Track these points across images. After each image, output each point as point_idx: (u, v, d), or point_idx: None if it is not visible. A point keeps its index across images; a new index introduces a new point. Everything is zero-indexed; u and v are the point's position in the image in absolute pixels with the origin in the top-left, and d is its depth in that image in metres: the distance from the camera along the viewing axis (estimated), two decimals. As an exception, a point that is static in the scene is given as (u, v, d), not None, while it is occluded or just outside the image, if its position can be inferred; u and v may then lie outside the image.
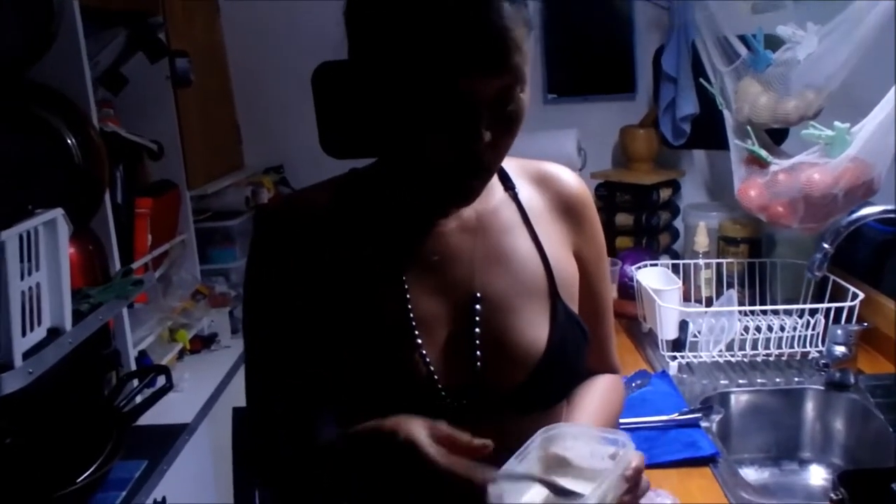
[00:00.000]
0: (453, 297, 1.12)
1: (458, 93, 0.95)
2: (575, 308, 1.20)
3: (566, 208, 1.23)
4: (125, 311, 2.14)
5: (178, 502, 2.04)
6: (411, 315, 1.10)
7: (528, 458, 0.97)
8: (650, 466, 1.67)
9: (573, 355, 1.17)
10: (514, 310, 1.13)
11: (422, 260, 1.13)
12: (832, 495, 1.47)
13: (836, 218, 2.20)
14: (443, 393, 1.08)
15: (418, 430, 0.94)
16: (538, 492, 0.96)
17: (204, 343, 2.70)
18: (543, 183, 1.24)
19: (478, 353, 1.11)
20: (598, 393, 1.27)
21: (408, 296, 1.10)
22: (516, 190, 1.21)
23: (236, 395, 2.50)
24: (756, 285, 2.51)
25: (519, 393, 1.11)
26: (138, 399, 1.99)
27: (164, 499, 1.96)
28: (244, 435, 1.55)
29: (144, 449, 1.99)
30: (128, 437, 1.85)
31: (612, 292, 1.39)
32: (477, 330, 1.11)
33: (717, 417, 1.90)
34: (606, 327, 1.33)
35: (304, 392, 1.15)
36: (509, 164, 1.22)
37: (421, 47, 0.94)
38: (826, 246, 1.89)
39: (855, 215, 1.88)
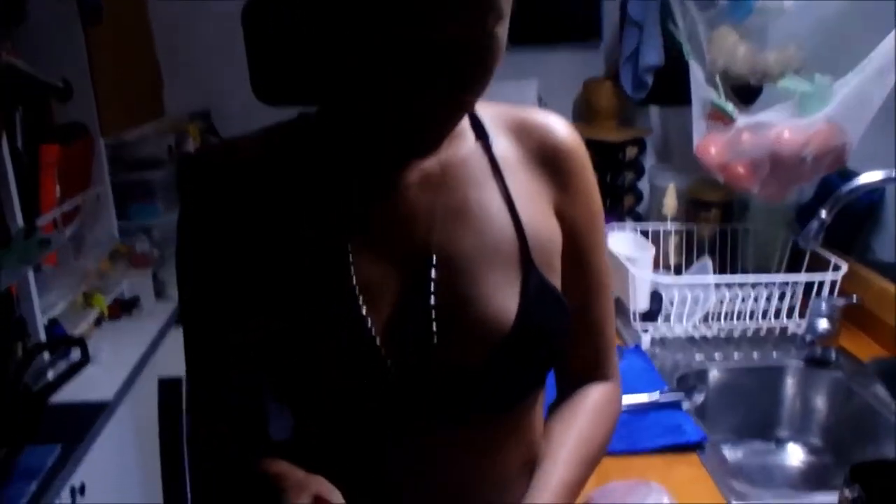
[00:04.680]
0: (406, 260, 0.99)
1: (421, 35, 0.83)
2: (555, 278, 1.05)
3: (549, 161, 1.08)
4: (31, 274, 2.01)
5: (99, 489, 1.95)
6: (354, 281, 0.96)
7: None
8: (631, 453, 1.60)
9: (548, 333, 1.02)
10: (476, 276, 0.99)
11: (372, 218, 1.00)
12: (847, 493, 1.32)
13: (798, 185, 2.14)
14: (391, 371, 0.96)
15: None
16: None
17: (124, 308, 2.61)
18: (525, 132, 1.08)
19: (433, 326, 0.97)
20: (583, 421, 1.10)
21: (350, 258, 0.97)
22: (490, 139, 1.06)
23: (163, 365, 2.45)
24: (727, 253, 2.39)
25: (481, 376, 0.98)
26: (50, 374, 1.88)
27: (82, 486, 1.85)
28: (173, 410, 1.48)
29: (58, 432, 1.87)
30: (39, 418, 1.77)
31: (608, 267, 1.15)
32: (432, 300, 0.97)
33: (700, 398, 1.78)
34: (600, 313, 1.13)
35: (250, 374, 1.05)
36: (485, 111, 1.08)
37: None
38: (824, 215, 1.77)
39: (856, 182, 1.75)
